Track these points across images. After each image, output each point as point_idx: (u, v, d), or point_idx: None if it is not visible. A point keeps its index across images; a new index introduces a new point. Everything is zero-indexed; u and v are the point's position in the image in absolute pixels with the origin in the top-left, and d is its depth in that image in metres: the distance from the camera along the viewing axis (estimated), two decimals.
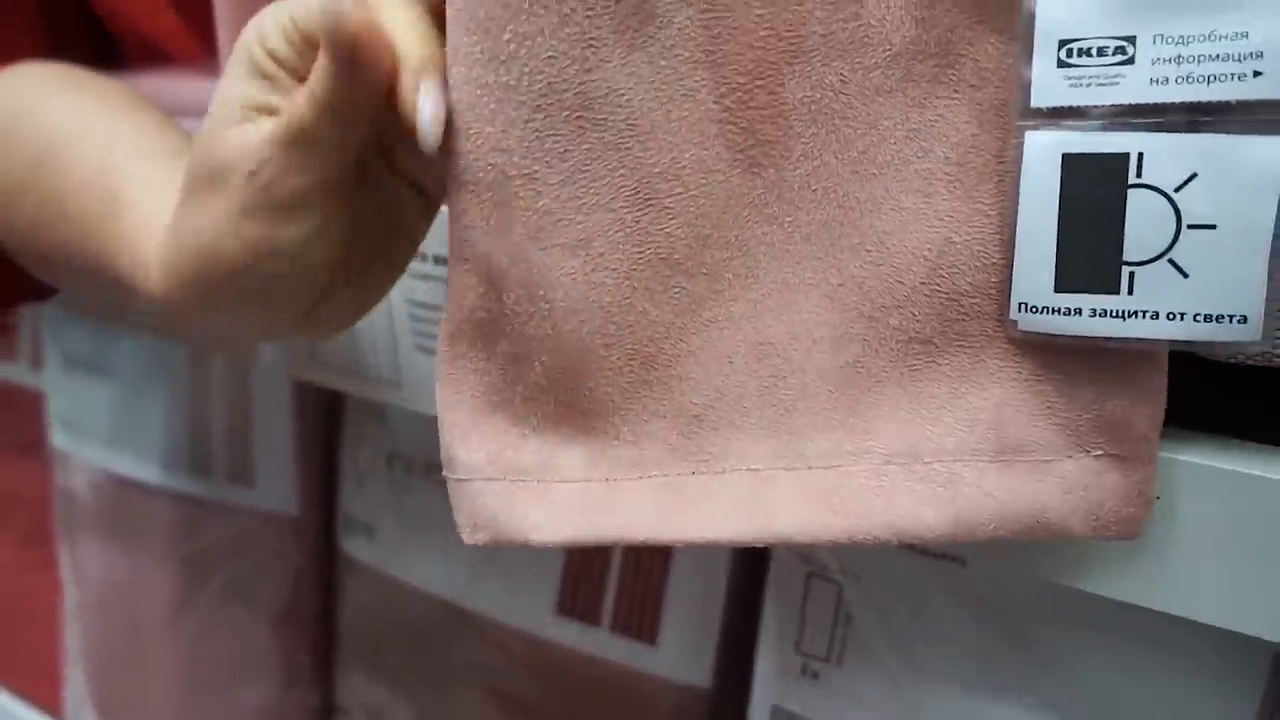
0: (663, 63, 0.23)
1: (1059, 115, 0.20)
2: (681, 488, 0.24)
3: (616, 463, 0.25)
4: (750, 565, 0.41)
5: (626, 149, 0.23)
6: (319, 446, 0.54)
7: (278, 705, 0.56)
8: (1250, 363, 0.22)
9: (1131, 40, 0.19)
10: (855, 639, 0.35)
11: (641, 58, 0.23)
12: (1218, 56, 0.19)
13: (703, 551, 0.42)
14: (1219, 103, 0.19)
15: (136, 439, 0.55)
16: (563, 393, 0.25)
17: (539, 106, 0.23)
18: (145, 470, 0.55)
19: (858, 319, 0.23)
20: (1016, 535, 0.23)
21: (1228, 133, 0.19)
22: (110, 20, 0.54)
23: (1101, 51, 0.20)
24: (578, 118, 0.23)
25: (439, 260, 0.35)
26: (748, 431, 0.24)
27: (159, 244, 0.28)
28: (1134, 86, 0.20)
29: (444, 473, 0.26)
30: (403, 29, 0.24)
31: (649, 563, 0.42)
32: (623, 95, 0.23)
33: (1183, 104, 0.19)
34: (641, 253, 0.24)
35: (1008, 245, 0.22)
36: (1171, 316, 0.20)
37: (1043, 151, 0.21)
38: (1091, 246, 0.21)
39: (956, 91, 0.22)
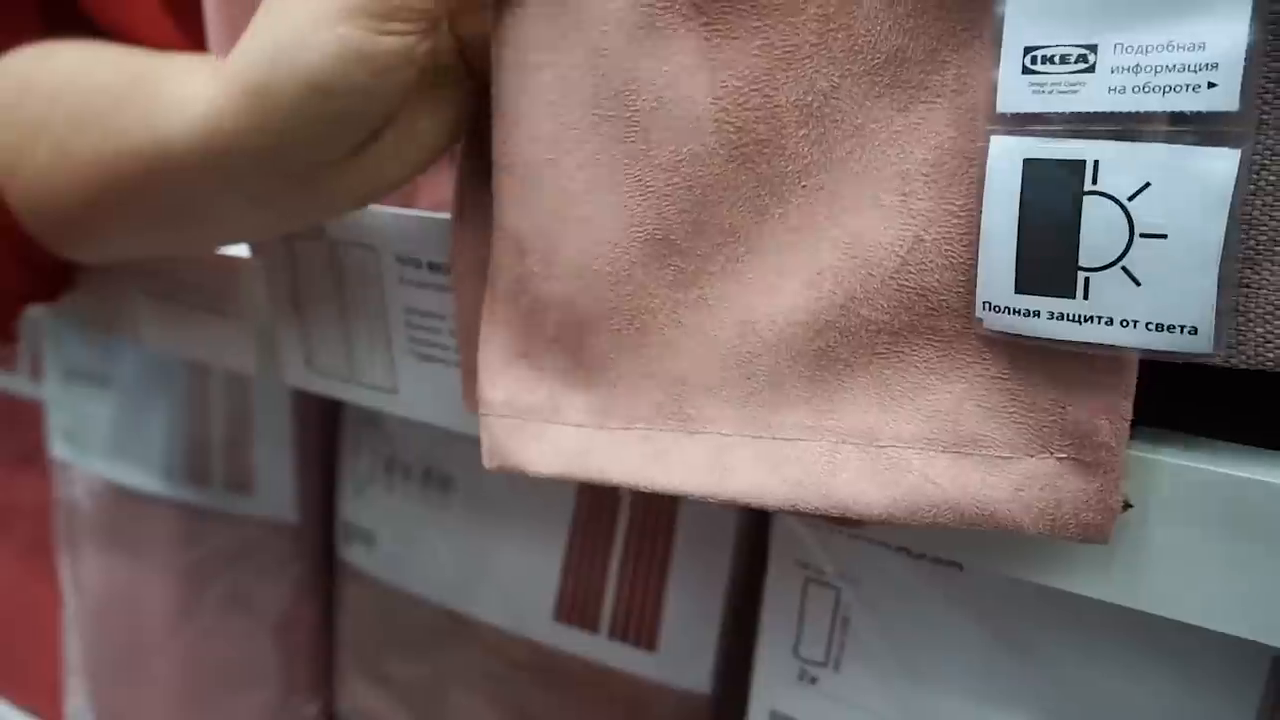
0: (665, 68, 0.25)
1: (1022, 121, 0.21)
2: (660, 441, 0.27)
3: (609, 413, 0.28)
4: (750, 570, 0.41)
5: (632, 142, 0.26)
6: (318, 454, 0.54)
7: (278, 713, 0.56)
8: (1212, 364, 0.22)
9: (1093, 49, 0.20)
10: (853, 644, 0.35)
11: (647, 64, 0.25)
12: (1174, 67, 0.19)
13: (702, 556, 0.42)
14: (1174, 113, 0.19)
15: (136, 449, 0.55)
16: (570, 347, 0.28)
17: (561, 104, 0.27)
18: (145, 480, 0.55)
19: (831, 307, 0.25)
20: (958, 523, 0.24)
21: (1181, 143, 0.19)
22: (107, 27, 0.54)
23: (1064, 59, 0.20)
24: (592, 114, 0.26)
25: (434, 267, 0.35)
26: (723, 399, 0.26)
27: (211, 71, 0.28)
28: (1093, 95, 0.20)
29: (477, 409, 0.30)
30: None
31: (648, 568, 0.42)
32: (629, 96, 0.26)
33: (1138, 113, 0.19)
34: (641, 233, 0.26)
35: (975, 245, 0.22)
36: (1125, 324, 0.21)
37: (1006, 156, 0.21)
38: (1050, 250, 0.21)
39: (939, 96, 0.23)
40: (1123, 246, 0.20)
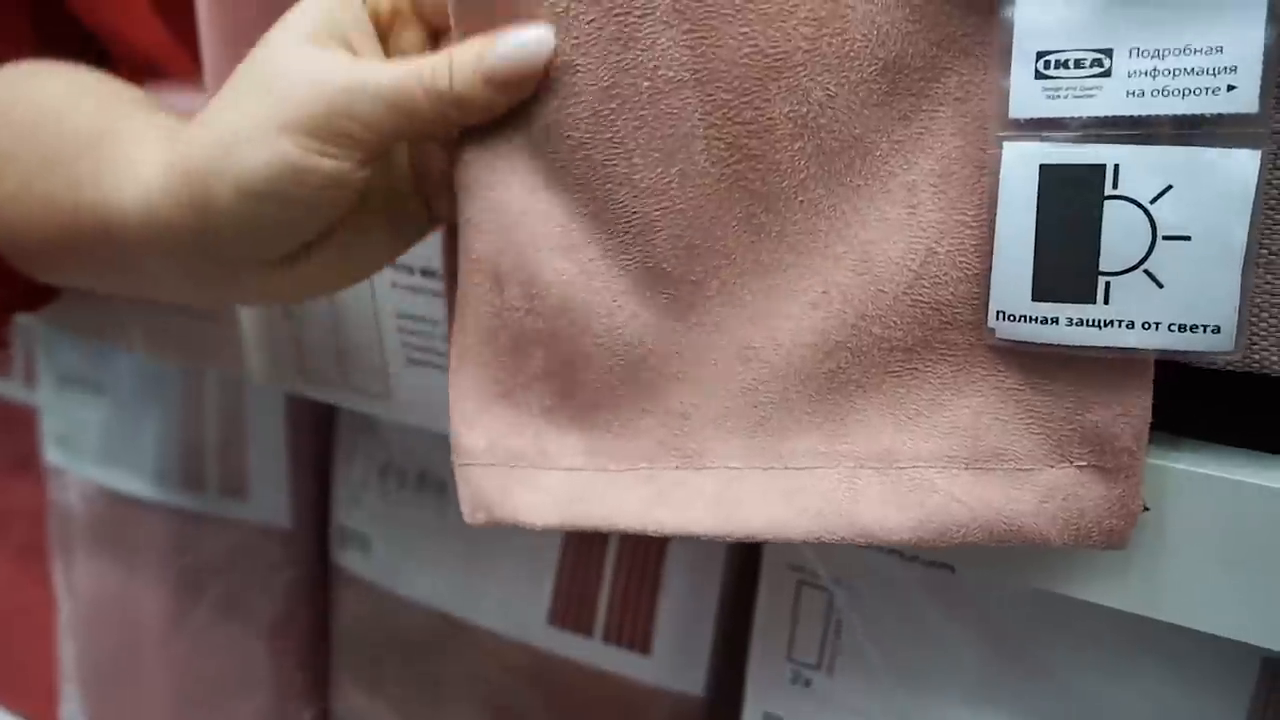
0: (646, 84, 0.23)
1: (1037, 126, 0.21)
2: (664, 481, 0.26)
3: (605, 454, 0.26)
4: (743, 573, 0.41)
5: (613, 166, 0.24)
6: (313, 460, 0.54)
7: (273, 717, 0.56)
8: (1230, 368, 0.22)
9: (1108, 53, 0.20)
10: (846, 646, 0.35)
11: (625, 80, 0.24)
12: (1193, 70, 0.19)
13: (696, 560, 0.42)
14: (1194, 116, 0.19)
15: (130, 454, 0.55)
16: (558, 385, 0.26)
17: (531, 130, 0.25)
18: (139, 485, 0.55)
19: (841, 327, 0.24)
20: (987, 541, 0.23)
21: (1202, 145, 0.19)
22: (100, 33, 0.54)
23: (1079, 64, 0.20)
24: (566, 138, 0.24)
25: (427, 273, 0.35)
26: (729, 431, 0.25)
27: (167, 143, 0.28)
28: (1111, 98, 0.20)
29: (451, 456, 0.28)
30: None
31: (642, 572, 0.42)
32: (608, 117, 0.24)
33: (1159, 117, 0.19)
34: (630, 260, 0.25)
35: (987, 255, 0.22)
36: (1147, 326, 0.20)
37: (1020, 162, 0.21)
38: (1068, 256, 0.21)
39: (941, 104, 0.22)
40: (1145, 249, 0.20)
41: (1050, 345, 0.22)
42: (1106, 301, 0.21)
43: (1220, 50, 0.19)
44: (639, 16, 0.23)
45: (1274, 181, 0.20)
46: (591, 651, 0.44)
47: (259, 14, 0.36)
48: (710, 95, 0.23)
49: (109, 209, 0.29)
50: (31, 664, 0.64)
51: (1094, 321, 0.21)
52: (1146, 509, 0.23)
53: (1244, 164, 0.19)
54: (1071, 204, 0.20)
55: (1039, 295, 0.21)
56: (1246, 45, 0.19)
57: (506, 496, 0.27)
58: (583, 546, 0.44)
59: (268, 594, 0.55)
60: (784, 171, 0.23)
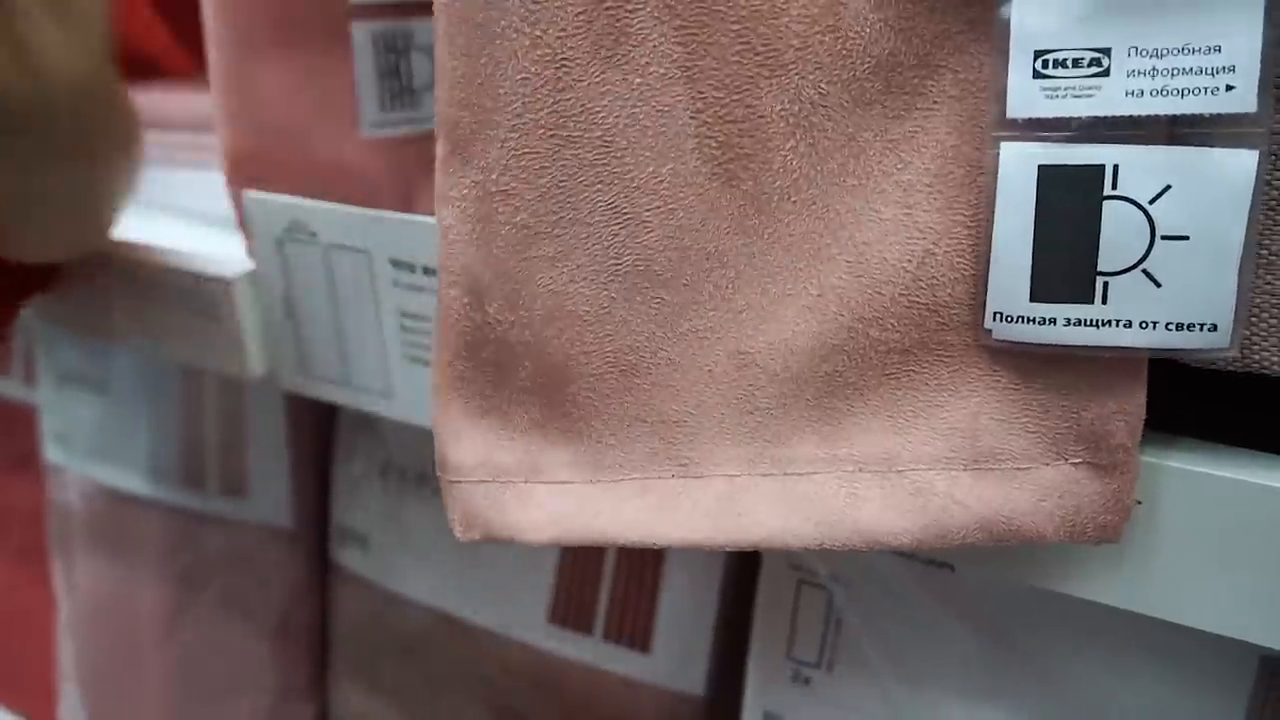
0: (638, 80, 0.23)
1: (1035, 126, 0.20)
2: (661, 491, 0.25)
3: (599, 466, 0.26)
4: (743, 572, 0.41)
5: (603, 165, 0.24)
6: (313, 458, 0.54)
7: (272, 717, 0.56)
8: (1229, 369, 0.22)
9: (1107, 52, 0.20)
10: (846, 645, 0.36)
11: (616, 75, 0.23)
12: (1191, 70, 0.19)
13: (695, 558, 0.42)
14: (1193, 115, 0.19)
15: (130, 453, 0.55)
16: (548, 398, 0.26)
17: (514, 126, 0.24)
18: (139, 484, 0.55)
19: (837, 330, 0.24)
20: (987, 541, 0.23)
21: (1201, 145, 0.19)
22: None
23: (1077, 63, 0.20)
24: (552, 136, 0.24)
25: (429, 271, 0.35)
26: (726, 438, 0.25)
27: None
28: (1110, 98, 0.20)
29: (438, 473, 0.27)
30: None
31: (641, 570, 0.43)
32: (597, 113, 0.23)
33: (1158, 116, 0.19)
34: (620, 265, 0.24)
35: (984, 255, 0.22)
36: (1145, 325, 0.21)
37: (1018, 162, 0.21)
38: (1066, 257, 0.21)
39: (936, 103, 0.22)
40: (1144, 249, 0.20)
41: (1048, 346, 0.22)
42: (1105, 301, 0.21)
43: (1218, 50, 0.19)
44: (630, 11, 0.23)
45: (1274, 182, 0.20)
46: (591, 650, 0.44)
47: (265, 14, 0.36)
48: (701, 93, 0.23)
49: None
50: (30, 662, 0.64)
51: (1092, 321, 0.21)
52: (1138, 502, 0.24)
53: (1242, 163, 0.19)
54: (1070, 204, 0.20)
55: (1037, 296, 0.21)
56: (1244, 45, 0.19)
57: (500, 513, 0.26)
58: (582, 545, 0.44)
59: (267, 593, 0.55)
60: (776, 171, 0.23)
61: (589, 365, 0.25)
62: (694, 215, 0.24)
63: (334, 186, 0.38)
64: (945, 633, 0.34)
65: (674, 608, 0.42)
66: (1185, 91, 0.19)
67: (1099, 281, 0.21)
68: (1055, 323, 0.21)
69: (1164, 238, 0.20)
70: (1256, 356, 0.22)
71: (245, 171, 0.38)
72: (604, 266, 0.24)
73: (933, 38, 0.22)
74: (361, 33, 0.37)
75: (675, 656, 0.42)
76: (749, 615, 0.38)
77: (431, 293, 0.35)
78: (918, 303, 0.23)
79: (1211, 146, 0.19)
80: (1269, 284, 0.21)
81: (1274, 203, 0.20)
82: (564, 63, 0.23)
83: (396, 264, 0.35)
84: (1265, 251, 0.21)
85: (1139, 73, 0.19)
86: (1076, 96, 0.20)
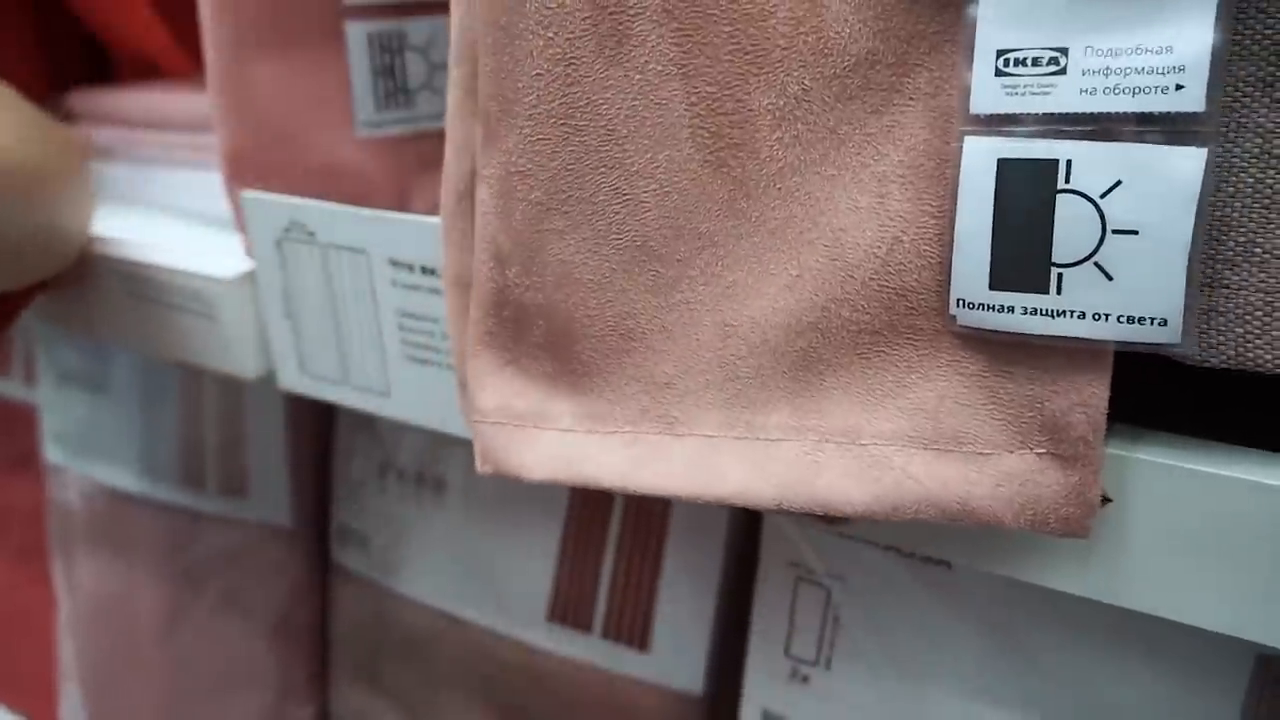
0: (637, 76, 0.25)
1: (996, 122, 0.21)
2: (646, 444, 0.27)
3: (596, 418, 0.28)
4: (741, 570, 0.41)
5: (606, 151, 0.26)
6: (313, 458, 0.54)
7: (273, 716, 0.56)
8: (1224, 367, 0.22)
9: (1064, 51, 0.20)
10: (844, 642, 0.36)
11: (618, 72, 0.25)
12: (1143, 69, 0.20)
13: (694, 557, 0.42)
14: (1143, 113, 0.20)
15: (130, 452, 0.55)
16: (558, 354, 0.28)
17: (530, 116, 0.26)
18: (139, 483, 0.55)
19: (812, 309, 0.25)
20: (941, 519, 0.24)
21: (1151, 143, 0.20)
22: (101, 33, 0.54)
23: (1036, 61, 0.21)
24: (562, 124, 0.26)
25: (426, 270, 0.35)
26: (707, 401, 0.27)
27: None
28: (1065, 96, 0.20)
29: (464, 413, 0.31)
30: None
31: (640, 569, 0.43)
32: (601, 106, 0.26)
33: (1109, 114, 0.20)
34: (620, 239, 0.26)
35: (949, 244, 0.23)
36: (1098, 317, 0.21)
37: (980, 156, 0.21)
38: (1024, 247, 0.21)
39: (912, 99, 0.23)
40: (1095, 243, 0.21)
41: (1007, 333, 0.22)
42: (1059, 292, 0.21)
43: (1170, 50, 0.19)
44: (632, 16, 0.25)
45: (1264, 179, 0.20)
46: (590, 648, 0.44)
47: (260, 14, 0.37)
48: (695, 88, 0.25)
49: None
50: (30, 662, 0.64)
51: (1047, 311, 0.22)
52: (1109, 500, 0.24)
53: (1190, 161, 0.20)
54: (1027, 197, 0.21)
55: (996, 284, 0.22)
56: (1194, 45, 0.19)
57: (510, 453, 0.29)
58: (581, 543, 0.44)
59: (267, 592, 0.55)
60: (763, 160, 0.25)
61: (592, 327, 0.27)
62: (687, 198, 0.26)
63: (330, 186, 0.38)
64: (943, 630, 0.34)
65: (672, 606, 0.42)
66: (1137, 90, 0.20)
67: (1054, 272, 0.21)
68: (1014, 311, 0.22)
69: (1115, 231, 0.20)
70: (1251, 355, 0.22)
71: (243, 171, 0.38)
72: (606, 240, 0.27)
73: (909, 37, 0.23)
74: (356, 32, 0.37)
75: (674, 654, 0.42)
76: (747, 613, 0.38)
77: (429, 291, 0.35)
78: (887, 287, 0.24)
79: (1161, 144, 0.20)
80: (1263, 281, 0.21)
81: (1268, 200, 0.21)
82: (572, 61, 0.25)
83: (394, 263, 0.35)
84: (1260, 249, 0.21)
85: (1094, 71, 0.20)
86: (1034, 94, 0.21)
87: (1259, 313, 0.21)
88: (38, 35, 0.54)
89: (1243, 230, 0.21)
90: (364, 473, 0.51)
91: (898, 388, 0.25)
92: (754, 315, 0.26)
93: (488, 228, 0.28)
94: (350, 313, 0.37)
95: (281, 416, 0.52)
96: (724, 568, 0.42)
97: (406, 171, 0.39)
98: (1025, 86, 0.21)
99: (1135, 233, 0.20)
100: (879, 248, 0.24)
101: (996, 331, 0.22)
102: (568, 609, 0.44)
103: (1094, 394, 0.22)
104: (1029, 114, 0.21)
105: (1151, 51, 0.19)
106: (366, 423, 0.50)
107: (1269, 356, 0.21)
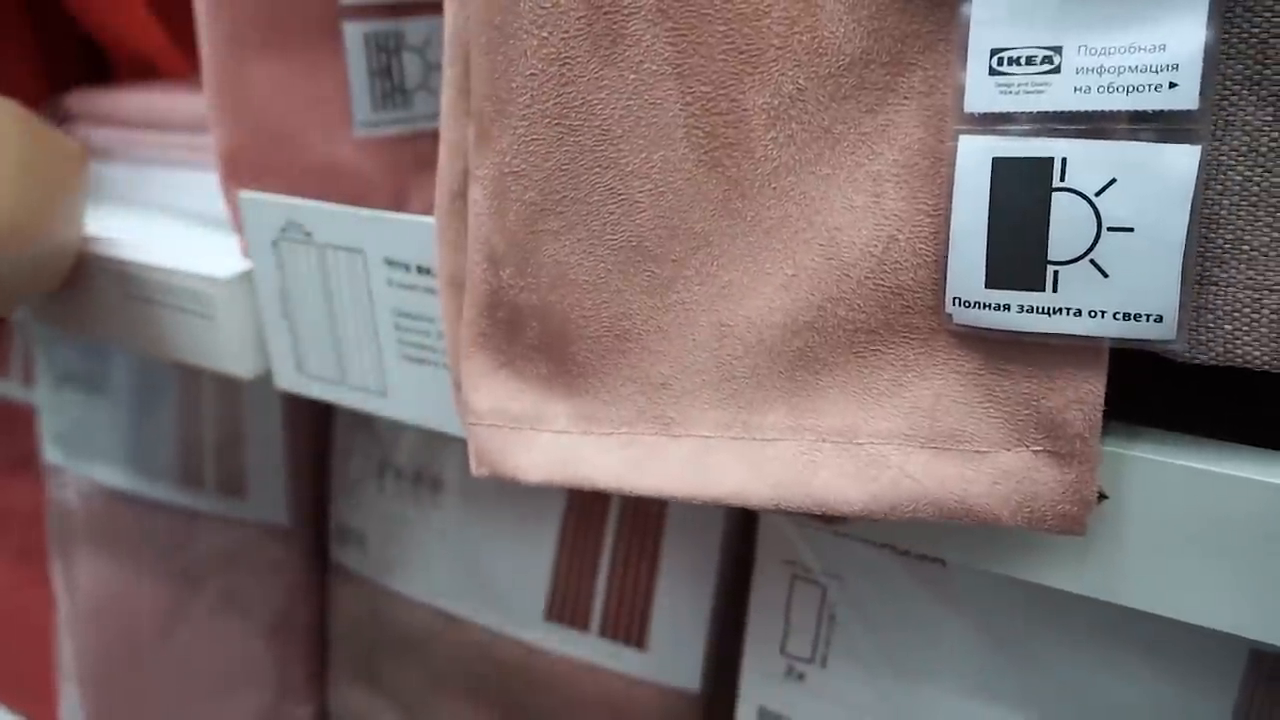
0: (632, 76, 0.25)
1: (990, 121, 0.21)
2: (643, 445, 0.27)
3: (593, 419, 0.28)
4: (738, 569, 0.42)
5: (601, 151, 0.26)
6: (311, 457, 0.54)
7: (271, 715, 0.56)
8: (1214, 364, 0.22)
9: (1058, 50, 0.20)
10: (839, 640, 0.36)
11: (613, 72, 0.25)
12: (1136, 68, 0.20)
13: (691, 556, 0.42)
14: (1137, 111, 0.20)
15: (128, 453, 0.55)
16: (554, 356, 0.28)
17: (524, 116, 0.26)
18: (137, 483, 0.55)
19: (808, 308, 0.25)
20: (938, 517, 0.24)
21: (1145, 141, 0.20)
22: (98, 34, 0.54)
23: (1030, 60, 0.21)
24: (556, 124, 0.26)
25: (423, 270, 0.35)
26: (704, 402, 0.27)
27: None
28: (1059, 94, 0.20)
29: (459, 414, 0.31)
30: None
31: (637, 568, 0.43)
32: (596, 106, 0.26)
33: (1103, 112, 0.20)
34: (615, 240, 0.26)
35: (945, 242, 0.23)
36: (1094, 314, 0.21)
37: (975, 155, 0.22)
38: (1019, 245, 0.22)
39: (907, 98, 0.23)
40: (1091, 240, 0.21)
41: (1004, 331, 0.22)
42: (1055, 290, 0.21)
43: (1163, 48, 0.19)
44: (626, 15, 0.25)
45: (1253, 177, 0.21)
46: (587, 647, 0.44)
47: (257, 14, 0.37)
48: (690, 88, 0.25)
49: None
50: (31, 662, 0.64)
51: (1043, 309, 0.22)
52: (1105, 497, 0.24)
53: (1184, 158, 0.20)
54: (1022, 195, 0.21)
55: (992, 282, 0.22)
56: (1187, 44, 0.19)
57: (505, 455, 0.29)
58: (578, 542, 0.44)
59: (266, 592, 0.55)
60: (758, 159, 0.25)
61: (588, 328, 0.27)
62: (682, 198, 0.26)
63: (327, 186, 0.38)
64: (938, 627, 0.34)
65: (669, 605, 0.42)
66: (1131, 89, 0.20)
67: (1050, 270, 0.21)
68: (1010, 309, 0.22)
69: (1110, 229, 0.20)
70: (1240, 352, 0.22)
71: (240, 171, 0.38)
72: (601, 241, 0.26)
73: (903, 36, 0.23)
74: (353, 33, 0.37)
75: (671, 653, 0.43)
76: (744, 611, 0.38)
77: (425, 291, 0.35)
78: (883, 285, 0.24)
79: (1155, 142, 0.20)
80: (1250, 279, 0.21)
81: (1256, 199, 0.21)
82: (567, 61, 0.25)
83: (391, 263, 0.36)
84: (1248, 247, 0.21)
85: (1087, 70, 0.20)
86: (1029, 92, 0.21)
87: (1247, 309, 0.21)
88: (35, 36, 0.54)
89: (1231, 227, 0.21)
90: (362, 472, 0.51)
91: (894, 386, 0.24)
92: (750, 315, 0.26)
93: (481, 228, 0.28)
94: (347, 312, 0.38)
95: (279, 416, 0.52)
96: (720, 566, 0.42)
97: (404, 171, 0.39)
98: (1019, 85, 0.21)
99: (1130, 230, 0.20)
100: (875, 246, 0.24)
101: (992, 329, 0.22)
102: (565, 608, 0.44)
103: (1090, 391, 0.22)
104: (1023, 112, 0.21)
105: (1145, 50, 0.19)
106: (364, 422, 0.50)
107: (1257, 353, 0.21)
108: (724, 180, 0.25)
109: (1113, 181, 0.20)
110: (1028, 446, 0.23)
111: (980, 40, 0.21)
